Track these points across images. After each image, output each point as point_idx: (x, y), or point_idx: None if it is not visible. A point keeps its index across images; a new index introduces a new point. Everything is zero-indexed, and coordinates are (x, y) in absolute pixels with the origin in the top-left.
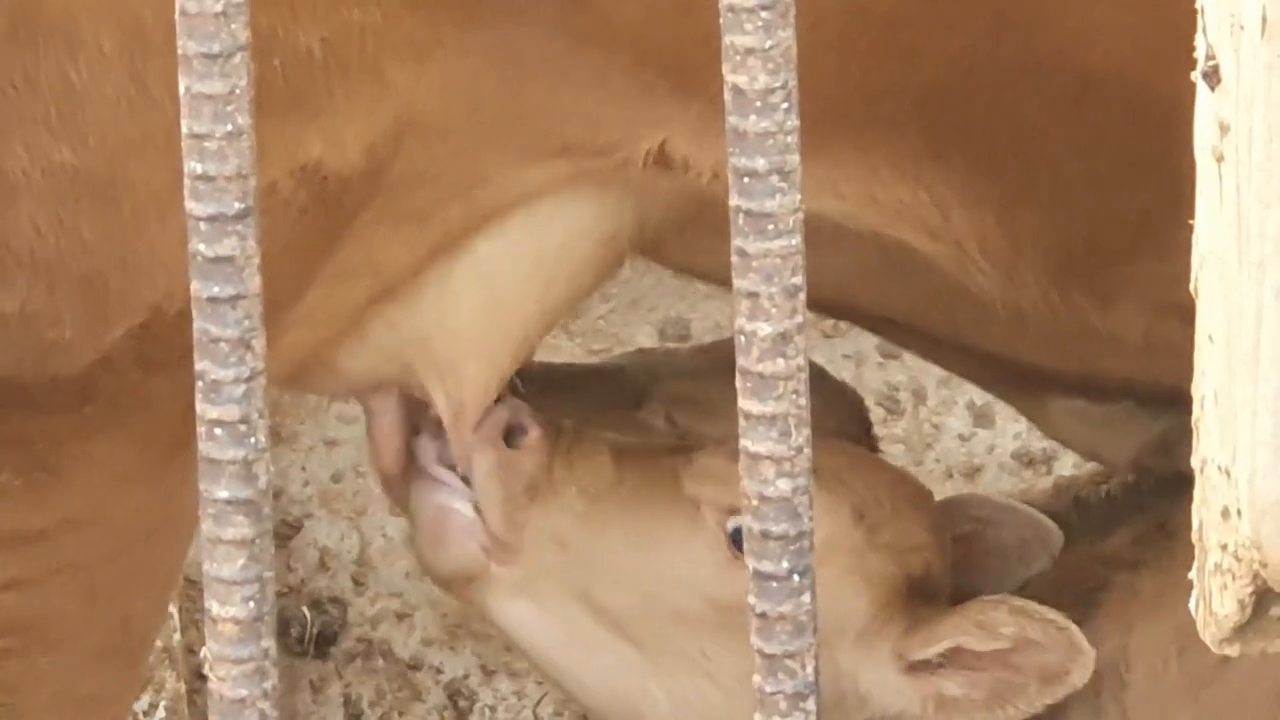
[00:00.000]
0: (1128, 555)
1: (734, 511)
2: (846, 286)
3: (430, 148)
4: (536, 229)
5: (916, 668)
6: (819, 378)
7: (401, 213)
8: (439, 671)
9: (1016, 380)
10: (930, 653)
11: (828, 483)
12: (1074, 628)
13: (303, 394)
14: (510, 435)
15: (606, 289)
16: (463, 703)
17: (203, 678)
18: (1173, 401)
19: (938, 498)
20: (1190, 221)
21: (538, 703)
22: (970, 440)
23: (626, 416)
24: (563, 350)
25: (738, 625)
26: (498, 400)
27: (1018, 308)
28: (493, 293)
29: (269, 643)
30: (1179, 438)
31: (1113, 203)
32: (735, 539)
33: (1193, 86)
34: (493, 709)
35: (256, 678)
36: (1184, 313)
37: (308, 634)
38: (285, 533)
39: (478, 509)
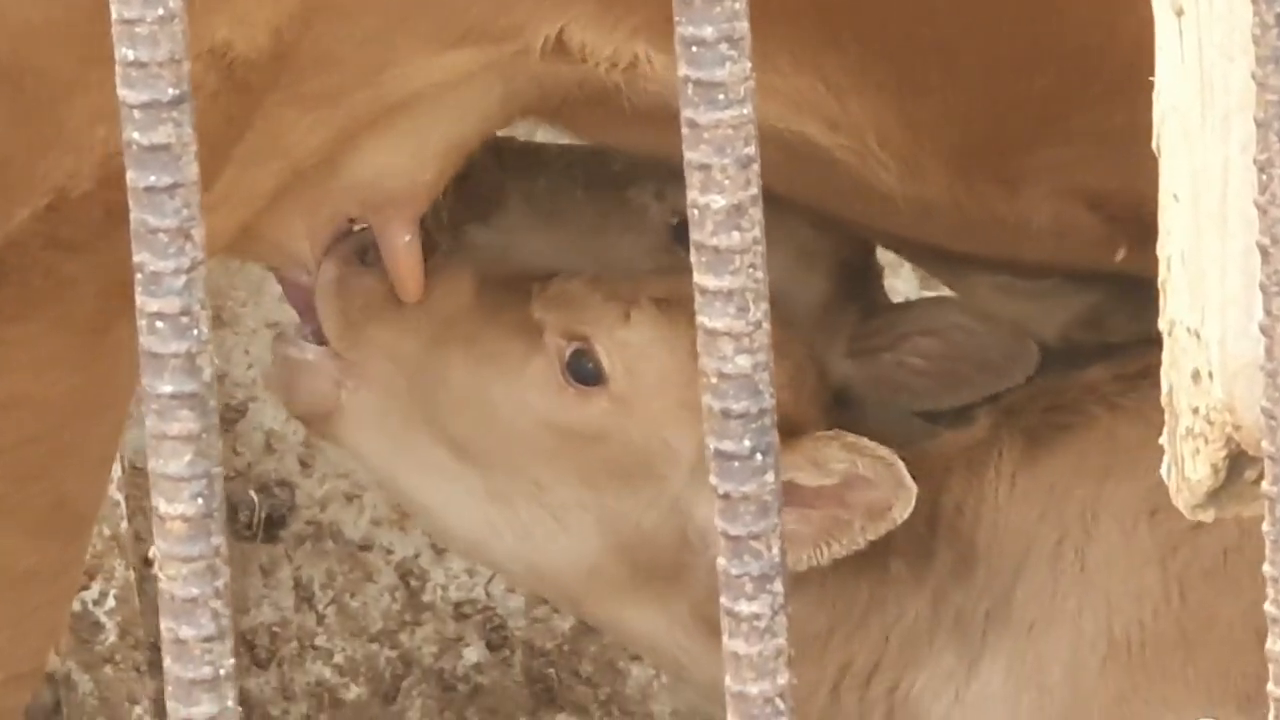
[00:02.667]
0: (1110, 390)
1: (576, 338)
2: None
3: (337, 29)
4: (442, 119)
5: None
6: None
7: (309, 96)
8: (389, 552)
9: (935, 258)
10: None
11: (673, 312)
12: (899, 463)
13: (242, 275)
14: (365, 254)
15: None
16: (414, 582)
17: (150, 564)
18: (1099, 277)
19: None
20: (1088, 106)
21: (489, 580)
22: None
23: (615, 196)
24: None
25: (570, 456)
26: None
27: (922, 199)
28: (403, 159)
29: (219, 540)
30: (1110, 310)
31: (1012, 89)
32: (571, 365)
33: None
34: (444, 588)
35: (208, 576)
36: (1090, 197)
37: (256, 518)
38: (230, 416)
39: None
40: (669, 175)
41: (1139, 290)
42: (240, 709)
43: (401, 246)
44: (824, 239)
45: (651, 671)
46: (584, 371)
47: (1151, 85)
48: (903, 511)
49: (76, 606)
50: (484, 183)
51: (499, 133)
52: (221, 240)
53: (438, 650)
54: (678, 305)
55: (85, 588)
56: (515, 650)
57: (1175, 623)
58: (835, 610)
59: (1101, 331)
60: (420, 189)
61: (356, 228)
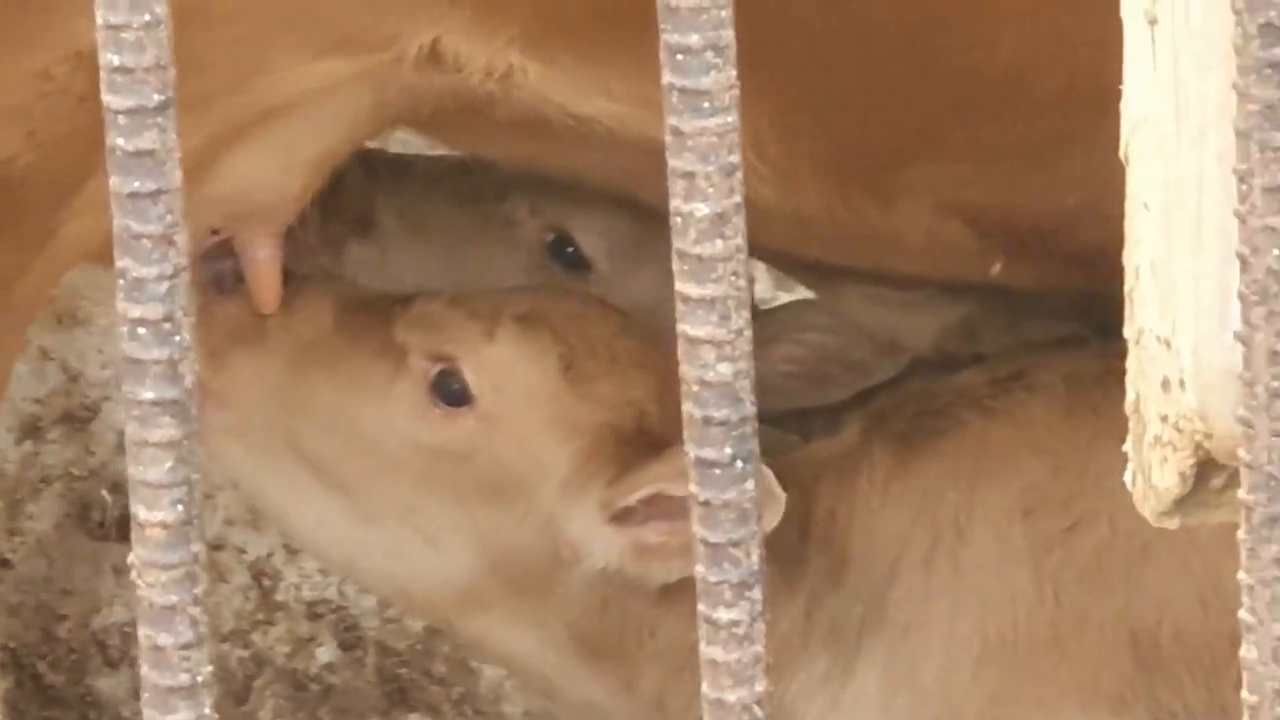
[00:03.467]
0: (982, 394)
1: (441, 358)
2: (621, 187)
3: (208, 35)
4: (311, 128)
5: (622, 517)
6: None
7: (181, 99)
8: (242, 551)
9: (806, 269)
10: (632, 499)
11: (537, 328)
12: (768, 471)
13: (97, 273)
14: (224, 282)
15: None
16: (267, 582)
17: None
18: (972, 287)
19: None
20: (968, 125)
21: (343, 580)
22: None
23: (489, 210)
24: None
25: (439, 477)
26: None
27: (798, 213)
28: (270, 170)
29: (199, 547)
30: (982, 321)
31: (885, 105)
32: (436, 386)
33: None
34: (298, 587)
35: (187, 583)
36: (965, 212)
37: (108, 517)
38: (84, 416)
39: None
40: (542, 189)
41: (1011, 301)
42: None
43: (263, 260)
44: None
45: (503, 672)
46: (450, 392)
47: (1028, 103)
48: (772, 520)
49: None
50: (354, 196)
51: (370, 144)
52: (88, 245)
53: (290, 650)
54: (540, 321)
55: None
56: (368, 650)
57: (1049, 624)
58: None
59: (974, 342)
60: (287, 201)
61: (218, 239)
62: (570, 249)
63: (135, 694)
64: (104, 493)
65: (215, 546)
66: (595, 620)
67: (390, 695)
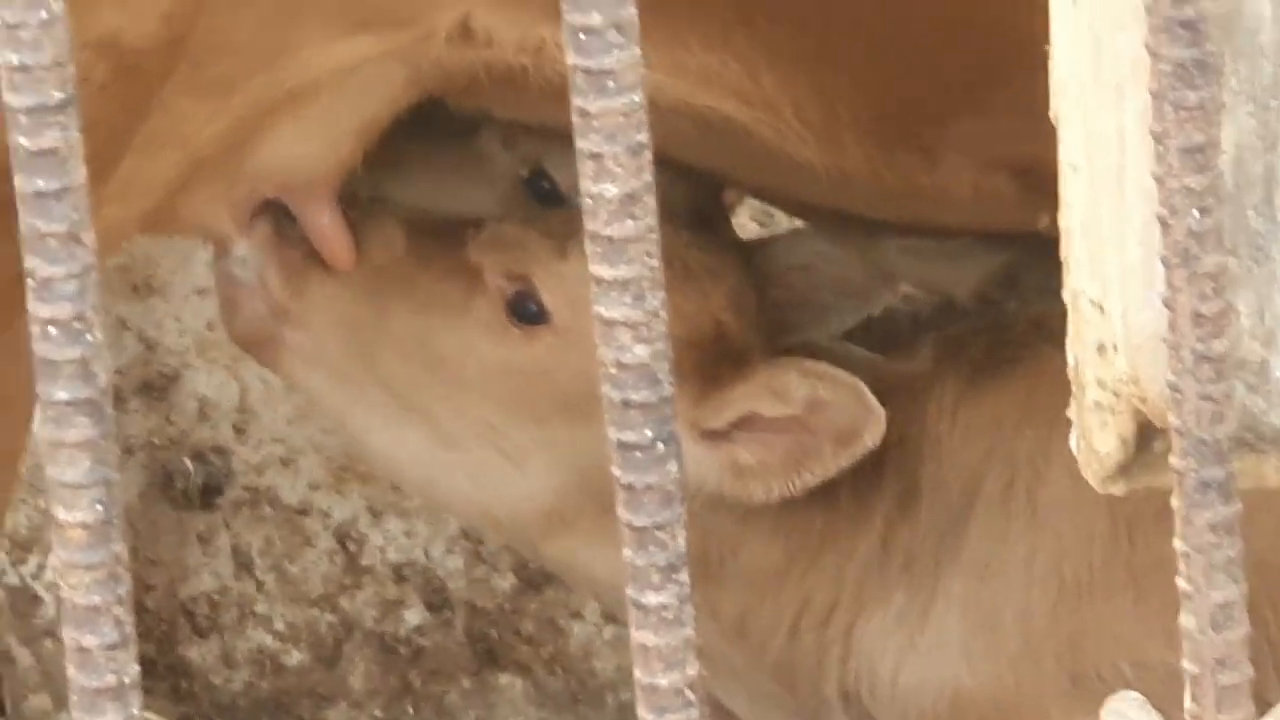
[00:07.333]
0: (1059, 327)
1: (516, 278)
2: (661, 153)
3: (231, 15)
4: (347, 102)
5: (712, 436)
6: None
7: (205, 84)
8: (327, 515)
9: (848, 224)
10: (723, 421)
11: None
12: (863, 386)
13: (171, 242)
14: (284, 230)
15: None
16: (352, 545)
17: None
18: (1011, 236)
19: None
20: (1009, 80)
21: (428, 541)
22: None
23: (463, 146)
24: None
25: (520, 396)
26: None
27: (841, 170)
28: (312, 143)
29: (120, 547)
30: (1024, 267)
31: (927, 62)
32: (513, 304)
33: None
34: (383, 550)
35: (110, 583)
36: (1009, 165)
37: (191, 485)
38: (162, 385)
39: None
40: (515, 124)
41: (1051, 248)
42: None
43: (325, 225)
44: (676, 189)
45: (594, 629)
46: (527, 311)
47: None
48: (874, 436)
49: (14, 580)
50: None
51: None
52: (124, 231)
53: (378, 613)
54: None
55: (22, 561)
56: (456, 611)
57: (1125, 565)
58: (790, 543)
59: (1016, 289)
60: (334, 168)
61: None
62: (545, 183)
63: (225, 662)
64: (186, 460)
65: (300, 511)
66: None
67: (480, 655)
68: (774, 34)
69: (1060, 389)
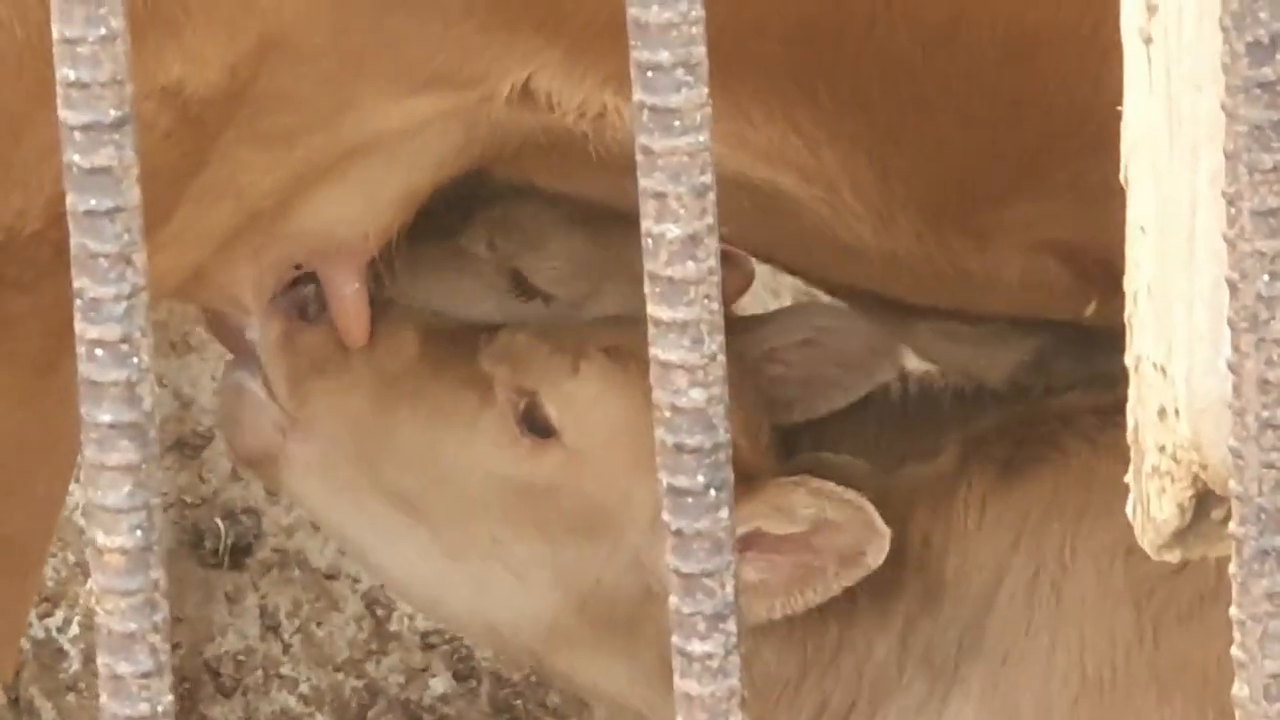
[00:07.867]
0: (1088, 425)
1: (526, 392)
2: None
3: (295, 70)
4: (397, 165)
5: None
6: None
7: (264, 134)
8: (356, 580)
9: (883, 306)
10: None
11: (623, 361)
12: (870, 507)
13: None
14: (307, 310)
15: None
16: (380, 611)
17: None
18: (1042, 320)
19: None
20: (1065, 163)
21: None
22: None
23: (447, 245)
24: None
25: (525, 511)
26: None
27: (891, 252)
28: (354, 207)
29: (158, 573)
30: (1055, 353)
31: (986, 143)
32: (525, 418)
33: (1063, 22)
34: (411, 617)
35: (146, 610)
36: (1060, 251)
37: (222, 545)
38: (197, 443)
39: (269, 385)
40: (499, 221)
41: (1083, 333)
42: None
43: (349, 295)
44: None
45: None
46: (537, 425)
47: None
48: (877, 557)
49: (40, 633)
50: None
51: None
52: (173, 280)
53: (404, 680)
54: (626, 354)
55: (49, 615)
56: (482, 680)
57: (1148, 665)
58: (806, 652)
59: (1047, 375)
60: (370, 238)
61: (301, 272)
62: (522, 286)
63: None
64: (217, 520)
65: (329, 575)
66: None
67: None
68: (837, 111)
69: (1087, 484)
